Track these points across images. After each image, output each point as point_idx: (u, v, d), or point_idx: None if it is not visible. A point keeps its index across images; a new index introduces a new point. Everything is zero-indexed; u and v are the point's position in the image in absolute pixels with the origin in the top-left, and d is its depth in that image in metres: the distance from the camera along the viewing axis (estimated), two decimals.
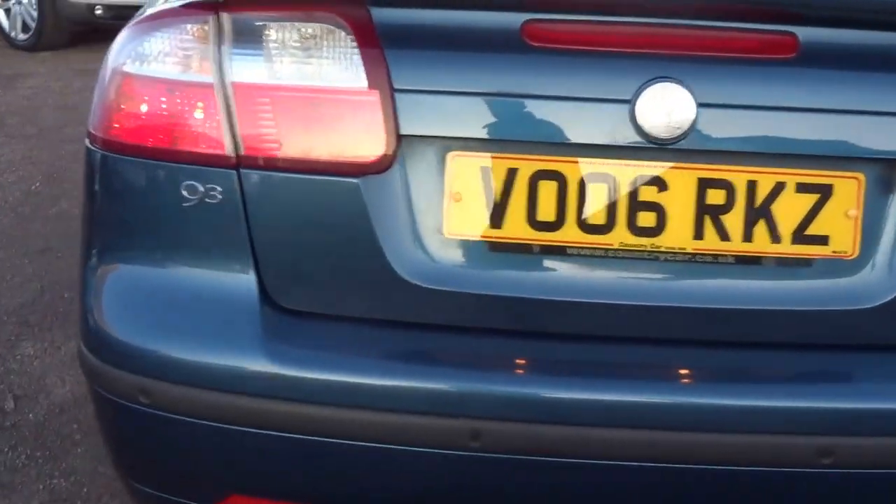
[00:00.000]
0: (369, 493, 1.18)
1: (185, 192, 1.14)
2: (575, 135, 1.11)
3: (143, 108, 1.16)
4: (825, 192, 1.15)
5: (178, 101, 1.14)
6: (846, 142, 1.15)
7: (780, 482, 1.14)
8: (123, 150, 1.17)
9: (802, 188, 1.14)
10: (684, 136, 1.09)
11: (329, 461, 1.15)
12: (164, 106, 1.15)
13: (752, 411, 1.12)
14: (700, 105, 1.08)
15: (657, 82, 1.08)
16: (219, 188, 1.13)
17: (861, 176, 1.15)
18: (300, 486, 1.18)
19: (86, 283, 1.23)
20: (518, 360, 1.16)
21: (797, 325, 1.17)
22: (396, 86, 1.09)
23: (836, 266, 1.17)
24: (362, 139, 1.10)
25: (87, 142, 1.24)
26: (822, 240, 1.16)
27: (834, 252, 1.16)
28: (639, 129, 1.08)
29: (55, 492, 1.87)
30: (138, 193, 1.19)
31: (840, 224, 1.15)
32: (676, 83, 1.07)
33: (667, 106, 1.07)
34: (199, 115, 1.13)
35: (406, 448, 1.11)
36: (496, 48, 1.11)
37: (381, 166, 1.11)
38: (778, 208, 1.15)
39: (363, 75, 1.09)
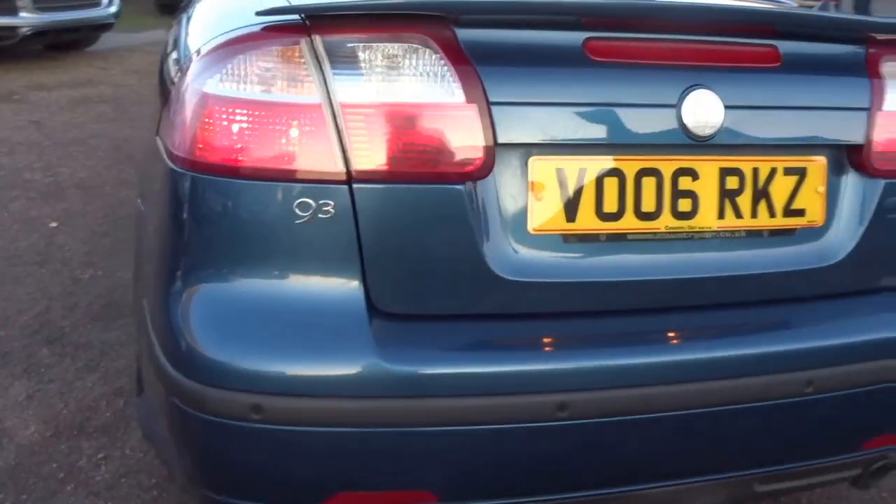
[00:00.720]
0: (470, 473, 1.28)
1: (297, 210, 1.18)
2: (631, 136, 1.31)
3: (248, 130, 1.19)
4: (802, 173, 1.44)
5: (286, 122, 1.18)
6: (814, 132, 1.45)
7: (782, 411, 1.39)
8: (225, 172, 1.19)
9: (788, 171, 1.43)
10: (715, 133, 1.32)
11: (436, 448, 1.24)
12: (271, 127, 1.18)
13: (770, 357, 1.37)
14: (726, 107, 1.32)
15: (695, 89, 1.31)
16: (332, 203, 1.19)
17: (824, 159, 1.46)
18: (405, 475, 1.26)
19: (176, 308, 1.20)
20: (593, 337, 1.31)
21: (787, 283, 1.45)
22: (491, 99, 1.21)
23: (810, 233, 1.47)
24: (467, 148, 1.21)
25: (170, 165, 1.21)
26: (801, 212, 1.45)
27: (808, 222, 1.46)
28: (684, 129, 1.30)
29: None
30: (247, 213, 1.21)
31: (812, 199, 1.46)
32: (709, 89, 1.31)
33: (705, 108, 1.31)
34: (308, 134, 1.19)
35: (506, 426, 1.23)
36: (564, 63, 1.27)
37: (482, 173, 1.23)
38: (773, 189, 1.42)
39: (461, 91, 1.20)
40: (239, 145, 1.19)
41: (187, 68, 1.30)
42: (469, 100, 1.22)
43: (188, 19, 1.67)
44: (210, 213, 1.22)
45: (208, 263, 1.23)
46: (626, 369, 1.29)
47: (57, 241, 3.35)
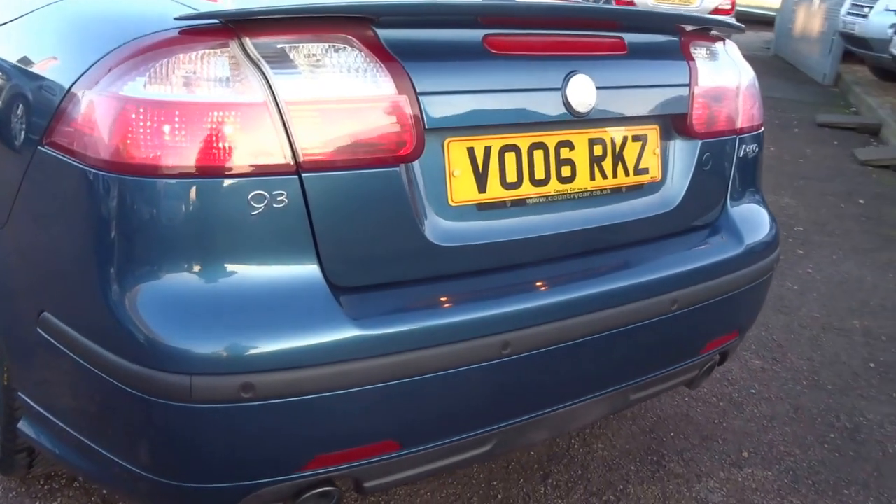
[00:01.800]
0: (433, 416, 1.48)
1: (252, 202, 1.29)
2: (526, 115, 1.56)
3: (190, 131, 1.25)
4: (644, 139, 1.78)
5: (234, 120, 1.27)
6: (652, 105, 1.79)
7: (653, 328, 1.72)
8: (163, 173, 1.24)
9: (635, 139, 1.76)
10: (590, 110, 1.61)
11: (402, 398, 1.41)
12: (214, 127, 1.26)
13: (641, 286, 1.69)
14: (597, 88, 1.61)
15: (575, 74, 1.58)
16: (284, 193, 1.30)
17: (657, 127, 1.81)
18: (382, 427, 1.43)
19: (142, 310, 1.26)
20: (514, 286, 1.55)
21: (644, 227, 1.78)
22: (419, 90, 1.41)
23: (653, 187, 1.82)
24: (401, 134, 1.39)
25: (91, 170, 1.26)
26: (646, 171, 1.80)
27: (651, 178, 1.81)
28: (568, 107, 1.58)
29: None
30: (203, 211, 1.27)
31: (652, 159, 1.81)
32: (585, 74, 1.59)
33: (584, 90, 1.59)
34: (257, 131, 1.28)
35: (459, 369, 1.44)
36: (469, 56, 1.49)
37: (414, 155, 1.42)
38: (626, 153, 1.75)
39: (392, 83, 1.38)
40: (181, 147, 1.25)
41: (84, 75, 1.32)
42: (400, 91, 1.39)
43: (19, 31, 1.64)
44: (165, 214, 1.26)
45: (170, 263, 1.28)
46: (546, 308, 1.54)
47: None
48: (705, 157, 1.86)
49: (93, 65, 1.32)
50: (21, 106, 1.50)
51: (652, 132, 1.79)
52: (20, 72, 1.56)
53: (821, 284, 3.77)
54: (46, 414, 1.56)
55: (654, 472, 2.28)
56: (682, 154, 1.84)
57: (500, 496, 2.13)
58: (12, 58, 1.61)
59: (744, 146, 1.97)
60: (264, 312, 1.30)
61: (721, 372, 2.87)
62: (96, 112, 1.28)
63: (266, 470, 1.38)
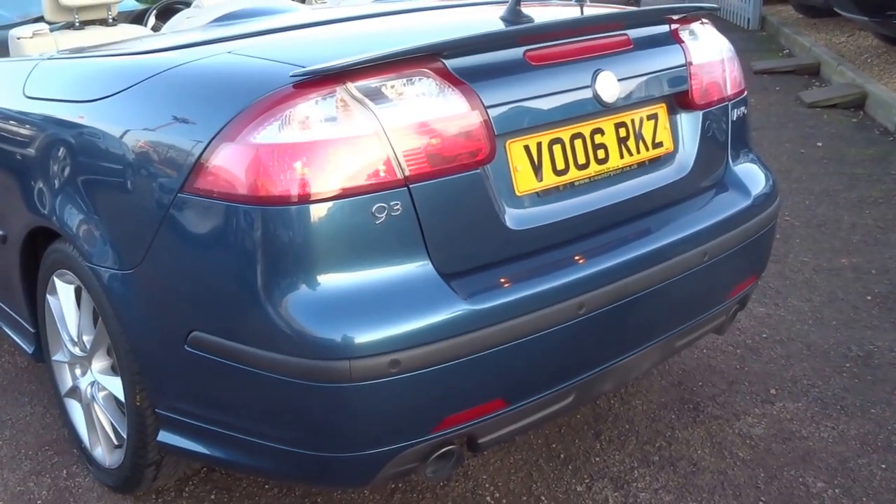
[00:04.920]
0: (530, 374, 1.79)
1: (375, 213, 1.61)
2: (566, 112, 1.90)
3: (315, 165, 1.58)
4: (656, 117, 2.13)
5: (357, 150, 1.60)
6: (659, 87, 2.14)
7: (689, 279, 2.07)
8: (307, 199, 1.57)
9: (649, 118, 2.11)
10: (616, 99, 1.96)
11: (507, 360, 1.73)
12: (336, 159, 1.59)
13: (677, 243, 2.03)
14: (618, 80, 1.96)
15: (601, 71, 1.93)
16: (399, 203, 1.63)
17: (665, 105, 2.16)
18: (493, 387, 1.74)
19: (295, 313, 1.57)
20: (578, 256, 1.88)
21: (667, 193, 2.13)
22: (486, 104, 1.74)
23: (668, 158, 2.17)
24: (479, 143, 1.72)
25: (239, 206, 1.59)
26: (661, 144, 2.15)
27: (666, 150, 2.16)
28: (599, 100, 1.92)
29: None
30: (340, 225, 1.60)
31: (665, 134, 2.16)
32: (608, 70, 1.94)
33: (610, 83, 1.93)
34: (373, 156, 1.61)
35: (547, 331, 1.76)
36: (516, 71, 1.83)
37: (490, 158, 1.74)
38: (644, 131, 2.10)
39: (465, 102, 1.71)
40: (319, 177, 1.58)
41: (223, 130, 1.63)
42: (472, 107, 1.72)
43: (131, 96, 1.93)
44: (313, 232, 1.59)
45: (316, 272, 1.60)
46: (607, 271, 1.87)
47: None
48: (707, 125, 2.22)
49: (227, 122, 1.62)
50: (153, 163, 1.80)
51: (661, 110, 2.14)
52: (147, 134, 1.85)
53: (801, 230, 4.09)
54: (192, 421, 1.85)
55: (694, 417, 2.60)
56: (688, 125, 2.19)
57: (562, 455, 2.45)
58: (133, 125, 1.90)
59: (735, 110, 2.33)
60: (396, 302, 1.63)
61: None
62: (238, 158, 1.59)
63: (406, 434, 1.69)
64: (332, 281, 1.61)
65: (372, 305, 1.61)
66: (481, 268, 1.76)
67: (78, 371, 2.35)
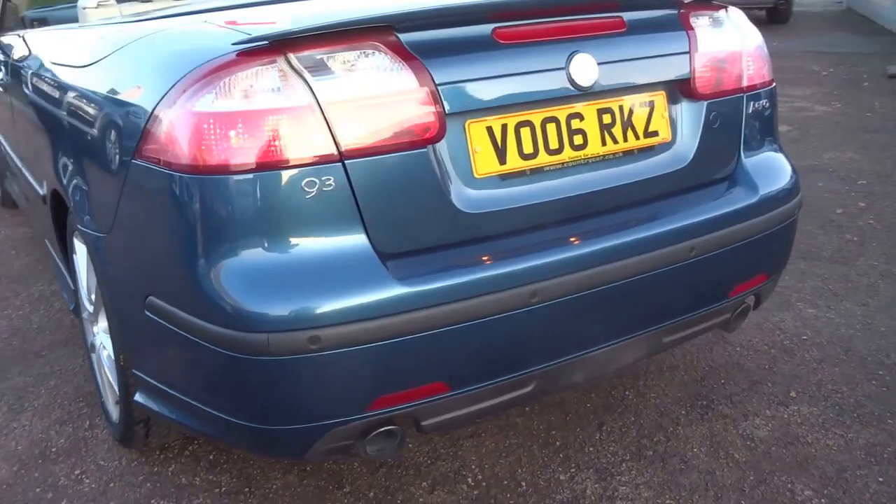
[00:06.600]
0: (472, 362, 1.78)
1: (305, 188, 1.62)
2: (536, 94, 1.85)
3: (256, 134, 1.60)
4: (652, 105, 2.06)
5: (288, 122, 1.60)
6: (656, 73, 2.06)
7: (676, 274, 1.99)
8: (233, 170, 1.59)
9: (643, 105, 2.04)
10: (594, 84, 1.90)
11: (443, 345, 1.72)
12: (269, 129, 1.59)
13: (661, 235, 1.96)
14: (598, 63, 1.90)
15: (577, 54, 1.87)
16: (332, 178, 1.64)
17: (664, 93, 2.08)
18: (432, 370, 1.74)
19: (226, 283, 1.61)
20: (539, 244, 1.83)
21: (658, 184, 2.05)
22: (437, 81, 1.72)
23: (664, 147, 2.09)
24: (425, 121, 1.71)
25: (176, 174, 1.62)
26: (655, 133, 2.07)
27: (661, 139, 2.08)
28: (573, 84, 1.87)
29: None
30: (269, 197, 1.61)
31: (661, 122, 2.08)
32: (586, 52, 1.88)
33: (586, 66, 1.88)
34: (305, 129, 1.62)
35: (493, 317, 1.73)
36: (482, 48, 1.80)
37: (438, 137, 1.73)
38: (635, 119, 2.02)
39: (414, 78, 1.70)
40: (251, 148, 1.59)
41: (164, 98, 1.66)
42: (421, 84, 1.71)
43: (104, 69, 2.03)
44: (237, 204, 1.61)
45: (243, 244, 1.62)
46: (567, 261, 1.82)
47: None
48: (713, 116, 2.12)
49: (169, 89, 1.68)
50: (118, 129, 1.88)
51: (659, 98, 2.07)
52: (114, 99, 1.95)
53: (881, 233, 3.90)
54: (158, 384, 1.95)
55: (702, 415, 2.53)
56: (690, 115, 2.10)
57: (558, 443, 2.43)
58: (104, 89, 2.01)
59: (752, 103, 2.21)
60: (324, 278, 1.64)
61: (773, 322, 3.09)
62: (175, 125, 1.65)
63: (336, 411, 1.71)
64: (259, 254, 1.63)
65: (295, 279, 1.63)
66: (427, 250, 1.75)
67: (94, 328, 2.51)
